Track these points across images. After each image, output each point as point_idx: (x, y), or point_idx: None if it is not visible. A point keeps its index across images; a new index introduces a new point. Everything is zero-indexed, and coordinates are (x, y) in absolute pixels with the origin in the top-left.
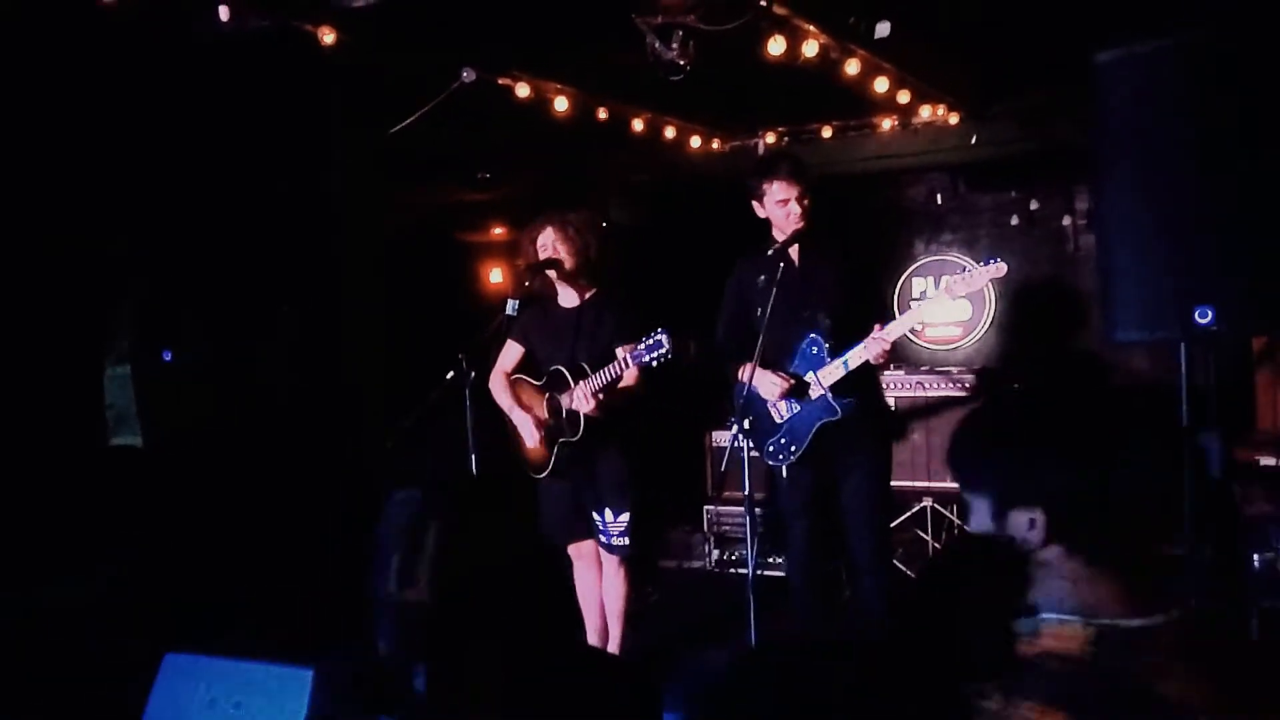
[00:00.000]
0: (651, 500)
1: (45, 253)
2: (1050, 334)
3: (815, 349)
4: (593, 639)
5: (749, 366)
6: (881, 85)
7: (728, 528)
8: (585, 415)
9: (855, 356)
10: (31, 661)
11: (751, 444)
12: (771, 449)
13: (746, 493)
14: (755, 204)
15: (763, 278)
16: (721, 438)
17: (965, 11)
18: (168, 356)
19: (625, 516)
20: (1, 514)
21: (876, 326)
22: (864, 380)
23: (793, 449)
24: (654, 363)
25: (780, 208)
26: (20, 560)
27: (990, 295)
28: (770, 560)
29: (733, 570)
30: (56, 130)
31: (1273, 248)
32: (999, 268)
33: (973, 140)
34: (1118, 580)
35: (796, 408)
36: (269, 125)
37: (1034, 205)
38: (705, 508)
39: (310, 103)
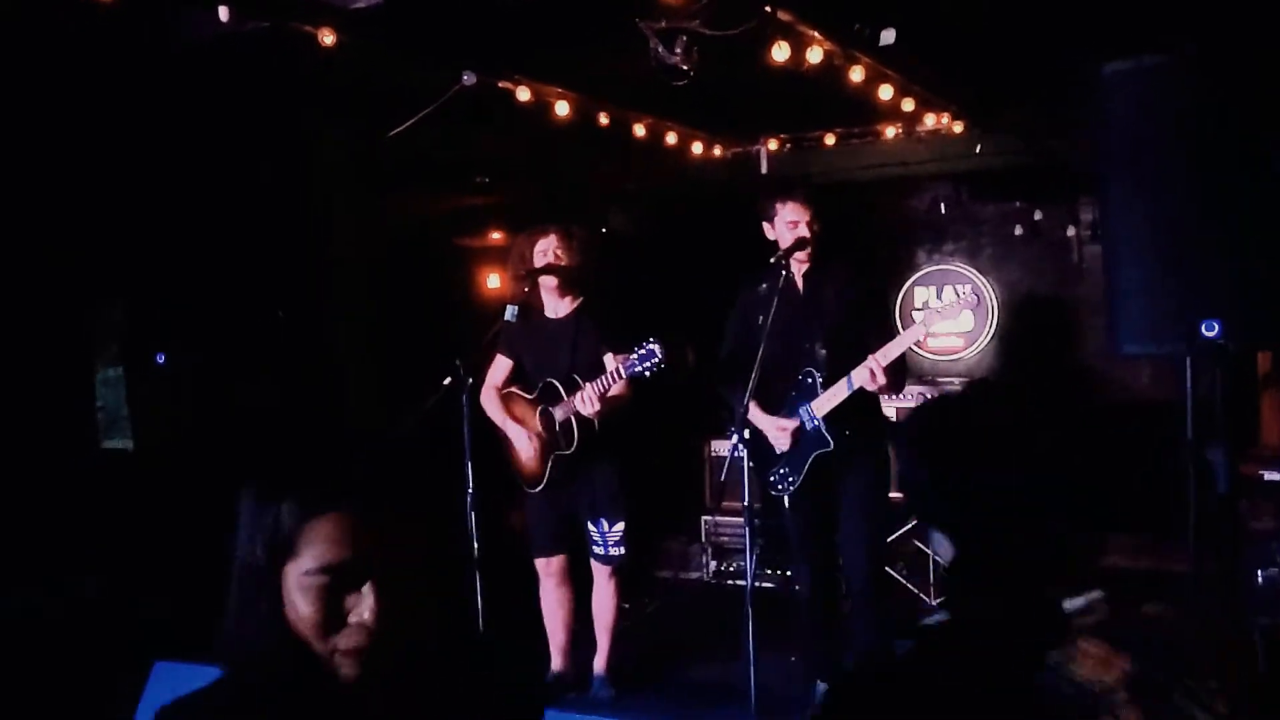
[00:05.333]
0: (646, 509)
1: (37, 254)
2: (1053, 346)
3: (810, 380)
4: (557, 657)
5: (751, 403)
6: (885, 93)
7: (726, 539)
8: (579, 428)
9: (843, 387)
10: (18, 667)
11: (752, 463)
12: (773, 479)
13: (746, 503)
14: (766, 225)
15: (763, 305)
16: (721, 447)
17: (971, 21)
18: (161, 359)
19: (620, 526)
20: None
21: (871, 356)
22: (861, 407)
23: (791, 480)
24: (646, 373)
25: (790, 230)
26: (8, 564)
27: (993, 306)
28: (769, 572)
29: (730, 582)
30: (46, 133)
31: None
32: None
33: (977, 149)
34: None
35: (796, 439)
36: (263, 128)
37: (1038, 216)
38: (703, 518)
39: (305, 105)
